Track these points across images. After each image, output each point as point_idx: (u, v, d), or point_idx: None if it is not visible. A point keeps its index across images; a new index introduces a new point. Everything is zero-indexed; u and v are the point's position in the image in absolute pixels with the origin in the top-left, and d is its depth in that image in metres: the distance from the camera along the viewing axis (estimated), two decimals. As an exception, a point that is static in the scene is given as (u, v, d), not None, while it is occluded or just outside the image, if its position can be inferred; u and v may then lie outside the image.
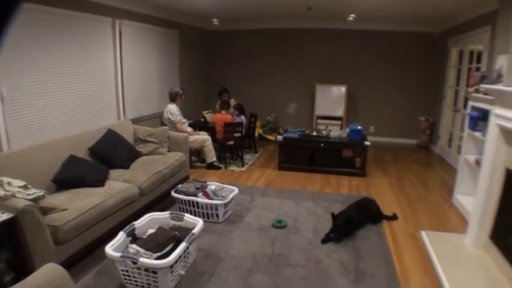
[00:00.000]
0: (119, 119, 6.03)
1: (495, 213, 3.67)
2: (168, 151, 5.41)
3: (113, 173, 4.39)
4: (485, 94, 4.55)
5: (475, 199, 3.91)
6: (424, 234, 4.14)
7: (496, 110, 3.56)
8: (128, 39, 6.16)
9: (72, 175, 3.90)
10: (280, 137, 6.66)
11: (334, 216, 4.17)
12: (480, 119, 4.83)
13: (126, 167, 4.66)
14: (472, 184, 5.02)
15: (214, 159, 6.60)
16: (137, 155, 5.06)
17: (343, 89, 8.98)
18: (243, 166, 6.83)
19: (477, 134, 4.85)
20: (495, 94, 3.59)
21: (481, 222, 3.81)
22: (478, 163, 4.57)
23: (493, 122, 3.62)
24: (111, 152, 4.63)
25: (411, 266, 3.58)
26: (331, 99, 9.05)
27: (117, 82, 5.97)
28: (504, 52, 4.81)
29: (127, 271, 3.00)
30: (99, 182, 4.00)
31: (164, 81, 7.40)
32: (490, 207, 3.71)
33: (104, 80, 5.69)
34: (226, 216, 4.45)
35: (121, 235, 3.23)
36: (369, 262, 3.59)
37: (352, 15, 7.87)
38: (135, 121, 6.31)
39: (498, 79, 4.71)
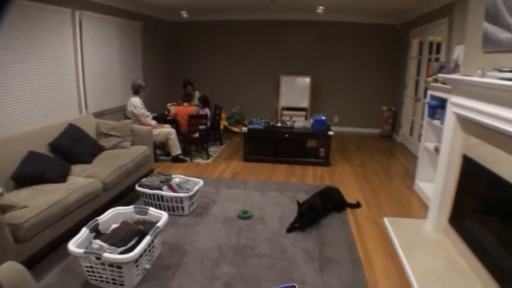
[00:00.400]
0: (81, 113, 5.91)
1: (453, 198, 3.81)
2: (132, 144, 5.35)
3: (75, 168, 4.32)
4: (443, 83, 4.69)
5: (434, 185, 4.05)
6: (386, 221, 4.25)
7: (453, 98, 3.67)
8: (89, 31, 6.04)
9: (32, 172, 3.81)
10: (245, 129, 6.67)
11: (299, 204, 4.24)
12: (439, 107, 4.98)
13: (89, 162, 4.58)
14: (432, 171, 5.18)
15: (179, 152, 6.56)
16: (100, 149, 4.98)
17: (307, 80, 9.06)
18: (208, 158, 6.82)
19: (436, 122, 5.00)
20: (451, 83, 3.70)
21: (440, 207, 3.94)
22: (437, 150, 4.71)
23: (450, 110, 3.73)
24: (72, 147, 4.54)
25: (374, 252, 3.68)
26: (296, 90, 9.12)
27: (78, 76, 5.84)
28: (460, 43, 4.97)
29: (91, 267, 2.97)
30: (61, 177, 3.93)
31: (127, 74, 7.29)
32: (449, 193, 3.85)
33: (64, 74, 5.56)
34: (191, 209, 4.44)
35: (84, 231, 3.18)
36: (334, 249, 3.67)
37: (321, 7, 7.93)
38: (98, 115, 6.20)
39: (455, 68, 4.86)
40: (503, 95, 2.76)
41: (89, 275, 3.01)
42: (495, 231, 3.09)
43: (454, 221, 3.77)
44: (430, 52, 7.23)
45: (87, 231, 3.21)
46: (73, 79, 5.76)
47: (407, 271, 3.28)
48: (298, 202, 4.26)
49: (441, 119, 4.73)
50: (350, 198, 4.95)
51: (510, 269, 2.78)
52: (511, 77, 2.73)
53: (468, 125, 3.52)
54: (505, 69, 2.85)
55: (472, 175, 3.48)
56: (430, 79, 5.32)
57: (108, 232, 3.30)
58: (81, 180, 4.01)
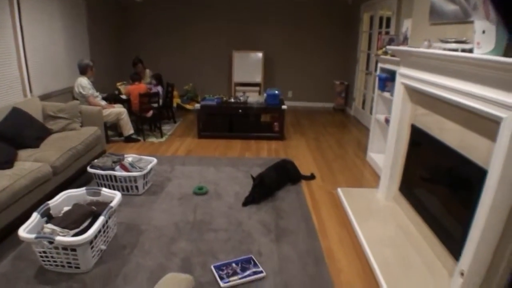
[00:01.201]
0: (26, 97, 5.68)
1: (403, 167, 3.95)
2: (81, 126, 5.21)
3: (22, 153, 4.17)
4: (392, 55, 4.81)
5: (385, 156, 4.17)
6: (340, 191, 4.36)
7: (401, 69, 3.77)
8: (28, 10, 5.76)
9: (-25, 157, 3.66)
10: (198, 106, 6.63)
11: (254, 178, 4.28)
12: (389, 80, 5.11)
13: (36, 146, 4.44)
14: (383, 142, 5.34)
15: (132, 131, 6.45)
16: (48, 132, 4.83)
17: (260, 55, 9.05)
18: (162, 137, 6.75)
19: (386, 94, 5.12)
20: (400, 54, 3.80)
21: (391, 176, 4.07)
22: (387, 121, 4.85)
23: (398, 81, 3.83)
24: (17, 132, 4.37)
25: (329, 221, 3.79)
26: (249, 65, 9.10)
27: (19, 58, 5.58)
28: (409, 16, 5.09)
29: (44, 252, 2.91)
30: (6, 164, 3.79)
31: (73, 54, 7.04)
32: (399, 162, 3.98)
33: (4, 57, 5.31)
34: (146, 188, 4.42)
35: (35, 216, 3.10)
36: (289, 221, 3.75)
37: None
38: (45, 97, 5.97)
39: (404, 41, 4.98)
40: (448, 65, 2.87)
41: (43, 261, 2.95)
42: (441, 196, 3.24)
43: (404, 189, 3.92)
44: (380, 26, 7.36)
45: (38, 216, 3.13)
46: (14, 62, 5.51)
47: (360, 238, 3.40)
48: (252, 176, 4.30)
49: (391, 91, 4.85)
50: (304, 170, 5.05)
51: (452, 229, 2.94)
52: (456, 47, 2.84)
53: (416, 96, 3.63)
54: (449, 39, 2.95)
55: (420, 144, 3.62)
56: (380, 51, 5.44)
57: (60, 215, 3.24)
58: (29, 165, 3.89)
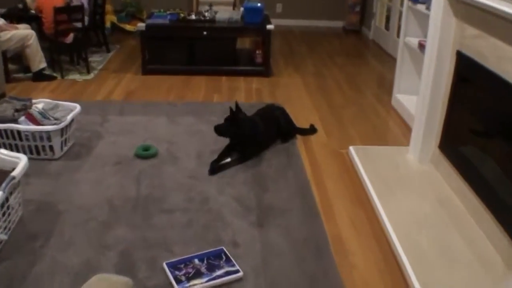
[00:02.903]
0: None
1: (445, 114, 3.92)
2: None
3: None
4: None
5: (419, 98, 4.14)
6: (353, 151, 4.36)
7: (444, -31, 3.70)
8: None
9: None
10: (142, 26, 6.56)
11: (232, 116, 4.29)
12: (425, -15, 5.04)
13: None
14: (416, 78, 5.31)
15: (44, 65, 6.38)
16: None
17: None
18: (89, 72, 6.73)
19: (421, 7, 5.09)
20: None
21: (427, 128, 4.07)
22: (422, 47, 4.80)
23: (439, -14, 3.77)
24: None
25: (336, 195, 3.80)
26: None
27: None
28: None
29: None
30: None
31: None
32: (439, 107, 3.96)
33: None
34: (65, 149, 4.39)
35: None
36: (278, 195, 3.77)
37: None
38: None
39: None
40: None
41: None
42: (500, 156, 3.23)
43: (446, 147, 3.91)
44: None
45: None
46: None
47: (382, 219, 3.39)
48: (231, 109, 4.30)
49: (428, 2, 4.78)
50: (301, 121, 5.05)
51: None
52: None
53: (464, 9, 3.56)
54: None
55: (471, 81, 3.57)
56: None
57: None
58: None
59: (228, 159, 4.26)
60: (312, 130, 4.92)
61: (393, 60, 7.10)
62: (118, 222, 3.41)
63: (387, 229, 3.29)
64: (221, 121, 4.30)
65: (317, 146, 4.63)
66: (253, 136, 4.35)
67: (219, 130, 4.32)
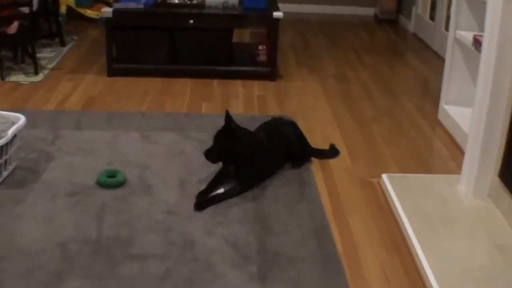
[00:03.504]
0: None
1: (507, 131, 3.91)
2: None
3: None
4: None
5: (474, 111, 4.14)
6: (386, 180, 4.35)
7: None
8: None
9: None
10: (109, 11, 6.56)
11: (220, 135, 4.27)
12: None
13: None
14: (471, 84, 5.32)
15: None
16: None
17: None
18: (37, 73, 6.74)
19: (477, -8, 5.11)
20: None
21: (485, 149, 4.06)
22: (478, 44, 4.82)
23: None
24: None
25: (364, 238, 3.78)
26: None
27: None
28: None
29: None
30: None
31: None
32: (500, 122, 3.95)
33: None
34: (5, 174, 4.37)
35: None
36: (287, 238, 3.73)
37: None
38: None
39: None
40: None
41: None
42: None
43: (510, 176, 3.91)
44: None
45: None
46: None
47: (425, 272, 3.36)
48: (228, 117, 4.24)
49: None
50: (318, 139, 5.07)
51: None
52: None
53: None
54: None
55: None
56: None
57: None
58: None
59: (221, 190, 4.23)
60: (332, 151, 4.92)
61: (440, 60, 7.13)
62: (73, 272, 3.35)
63: (431, 285, 3.29)
64: (211, 140, 4.28)
65: (339, 173, 4.61)
66: (254, 156, 4.31)
67: (211, 154, 4.25)
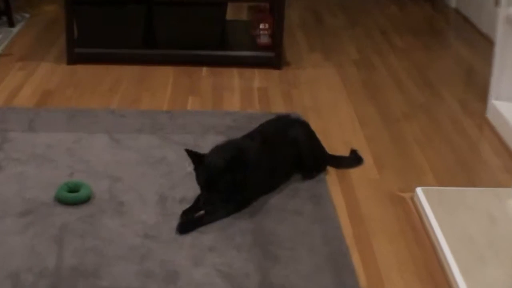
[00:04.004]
0: None
1: None
2: None
3: None
4: None
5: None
6: (422, 195, 4.35)
7: None
8: None
9: None
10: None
11: (199, 158, 4.22)
12: None
13: None
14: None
15: None
16: None
17: None
18: None
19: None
20: None
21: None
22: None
23: None
24: None
25: (393, 267, 3.76)
26: None
27: None
28: None
29: None
30: None
31: None
32: None
33: None
34: None
35: None
36: (296, 268, 3.71)
37: None
38: None
39: None
40: None
41: None
42: None
43: None
44: None
45: None
46: None
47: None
48: (191, 154, 4.22)
49: None
50: (335, 144, 5.08)
51: None
52: None
53: None
54: None
55: None
56: None
57: None
58: None
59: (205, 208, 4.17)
60: (353, 159, 4.91)
61: (490, 43, 7.10)
62: None
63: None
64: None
65: (362, 186, 4.60)
66: (241, 178, 4.19)
67: (216, 204, 4.16)
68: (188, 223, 4.09)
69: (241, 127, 4.94)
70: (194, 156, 4.19)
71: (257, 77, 6.43)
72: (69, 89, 6.10)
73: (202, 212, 4.17)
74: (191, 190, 4.36)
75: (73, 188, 4.38)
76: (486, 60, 6.53)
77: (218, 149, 4.31)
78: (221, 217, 4.15)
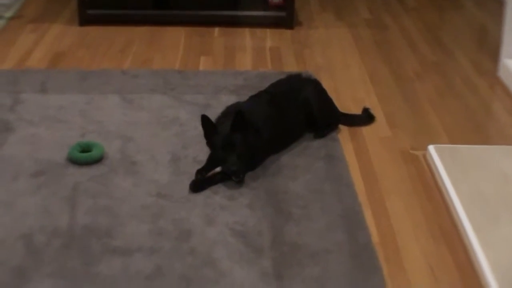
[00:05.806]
0: None
1: None
2: None
3: None
4: None
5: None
6: (434, 153, 4.37)
7: None
8: None
9: None
10: None
11: (211, 124, 4.22)
12: None
13: None
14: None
15: None
16: None
17: None
18: None
19: None
20: None
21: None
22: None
23: None
24: None
25: (405, 225, 3.79)
26: None
27: None
28: None
29: None
30: None
31: None
32: None
33: None
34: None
35: None
36: (309, 226, 3.74)
37: None
38: None
39: None
40: None
41: None
42: None
43: None
44: None
45: None
46: None
47: (480, 266, 3.37)
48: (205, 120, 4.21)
49: None
50: (347, 103, 5.10)
51: None
52: None
53: None
54: None
55: None
56: None
57: None
58: None
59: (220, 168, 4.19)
60: (366, 117, 4.93)
61: (498, 3, 7.10)
62: (40, 270, 3.36)
63: (488, 282, 3.31)
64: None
65: (375, 145, 4.63)
66: (255, 133, 4.25)
67: (242, 172, 4.13)
68: (201, 181, 4.10)
69: (253, 86, 4.93)
70: (208, 126, 4.18)
71: (269, 37, 6.44)
72: (80, 50, 6.11)
73: (215, 170, 4.18)
74: (203, 150, 4.40)
75: (86, 148, 4.41)
76: (498, 20, 6.47)
77: (228, 114, 4.33)
78: (239, 175, 4.11)
